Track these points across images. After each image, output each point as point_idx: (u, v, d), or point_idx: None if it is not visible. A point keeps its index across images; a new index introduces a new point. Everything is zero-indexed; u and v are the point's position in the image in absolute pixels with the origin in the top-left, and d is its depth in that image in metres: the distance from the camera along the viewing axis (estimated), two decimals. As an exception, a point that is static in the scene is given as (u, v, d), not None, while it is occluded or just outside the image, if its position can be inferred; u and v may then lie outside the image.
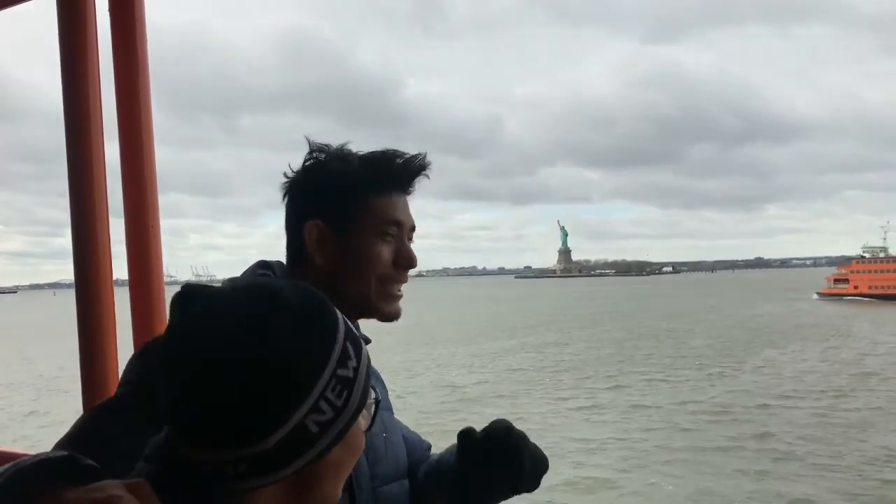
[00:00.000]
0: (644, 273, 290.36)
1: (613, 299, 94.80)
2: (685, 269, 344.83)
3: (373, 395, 0.83)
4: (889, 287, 77.88)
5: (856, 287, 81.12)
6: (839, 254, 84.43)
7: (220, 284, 0.82)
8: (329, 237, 1.22)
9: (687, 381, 29.26)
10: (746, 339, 41.87)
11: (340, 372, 0.76)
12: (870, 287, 79.77)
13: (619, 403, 24.63)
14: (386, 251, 1.25)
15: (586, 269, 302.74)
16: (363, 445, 0.82)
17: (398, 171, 1.26)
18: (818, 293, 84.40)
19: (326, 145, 1.26)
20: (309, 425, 0.73)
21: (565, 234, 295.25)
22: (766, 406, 23.38)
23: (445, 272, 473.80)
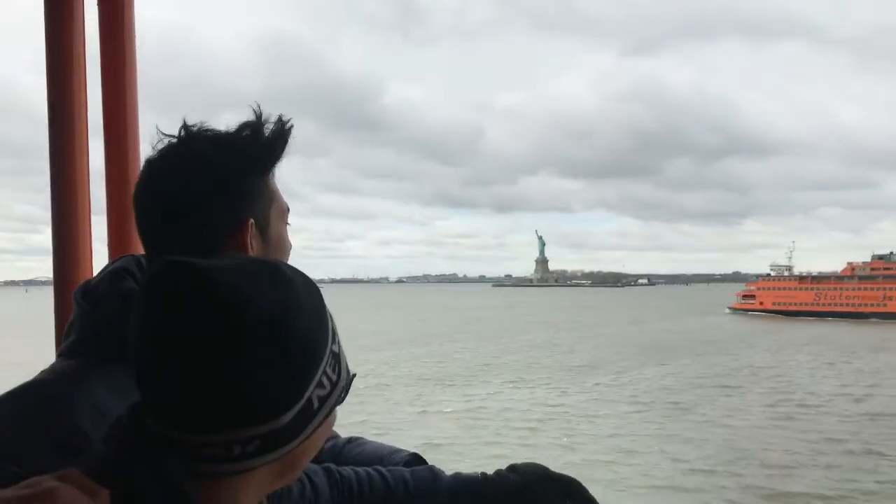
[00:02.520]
0: (619, 284, 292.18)
1: (560, 309, 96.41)
2: (661, 281, 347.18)
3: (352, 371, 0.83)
4: (790, 304, 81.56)
5: (761, 303, 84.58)
6: (815, 270, 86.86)
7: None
8: (255, 235, 1.14)
9: (557, 387, 30.65)
10: (648, 350, 43.43)
11: (333, 348, 0.78)
12: (773, 303, 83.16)
13: (470, 407, 25.96)
14: (288, 238, 1.22)
15: (563, 279, 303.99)
16: (335, 421, 0.82)
17: (282, 134, 1.15)
18: (729, 308, 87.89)
19: (196, 126, 1.12)
20: (314, 400, 0.74)
21: (542, 244, 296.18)
22: (600, 415, 24.74)
23: (426, 278, 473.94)
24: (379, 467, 1.19)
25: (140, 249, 1.73)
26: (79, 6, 1.88)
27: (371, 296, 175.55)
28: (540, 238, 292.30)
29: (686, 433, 21.76)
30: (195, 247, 1.03)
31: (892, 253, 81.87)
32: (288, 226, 1.22)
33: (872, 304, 76.93)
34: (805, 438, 21.10)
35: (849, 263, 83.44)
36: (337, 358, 0.79)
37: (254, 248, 1.14)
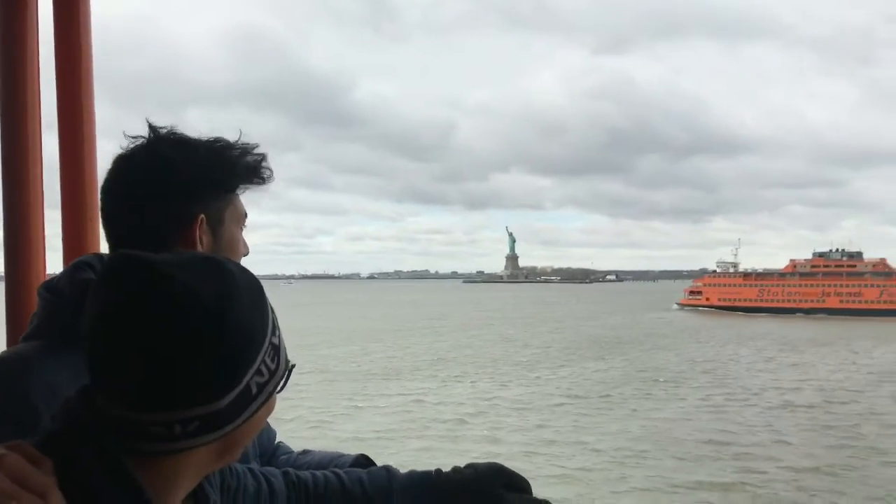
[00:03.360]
0: (587, 280, 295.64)
1: (524, 305, 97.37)
2: (629, 277, 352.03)
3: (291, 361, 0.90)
4: (735, 299, 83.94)
5: (707, 299, 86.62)
6: (777, 267, 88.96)
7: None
8: (206, 231, 1.23)
9: (499, 381, 31.21)
10: (595, 345, 44.30)
11: (273, 340, 0.86)
12: (719, 299, 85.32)
13: (407, 401, 26.36)
14: (243, 243, 1.31)
15: (533, 276, 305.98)
16: (274, 407, 0.90)
17: (255, 165, 1.26)
18: (678, 303, 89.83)
19: (166, 129, 1.23)
20: (252, 386, 0.82)
21: (513, 241, 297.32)
22: (532, 408, 25.30)
23: (398, 275, 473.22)
24: (335, 469, 1.26)
25: (94, 243, 1.78)
26: None
27: (341, 292, 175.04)
28: (510, 235, 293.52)
29: (611, 425, 22.35)
30: (149, 237, 1.15)
31: (831, 251, 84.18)
32: (244, 228, 1.31)
33: (812, 300, 79.48)
34: (724, 429, 21.81)
35: (791, 261, 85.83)
36: (276, 349, 0.86)
37: (204, 243, 1.23)
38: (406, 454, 18.33)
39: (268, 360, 0.84)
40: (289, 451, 1.49)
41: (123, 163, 1.23)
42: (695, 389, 29.17)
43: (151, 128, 1.22)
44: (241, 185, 1.27)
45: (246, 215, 1.31)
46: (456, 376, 32.58)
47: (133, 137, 1.22)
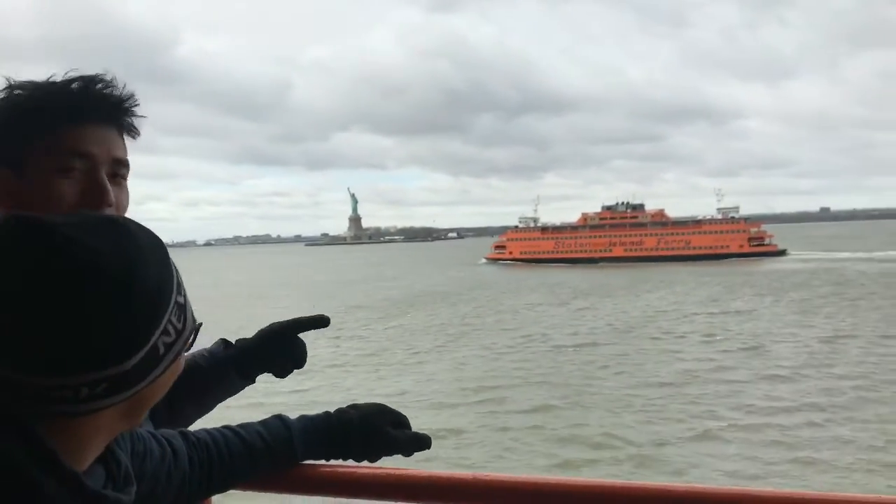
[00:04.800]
0: (430, 239, 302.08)
1: (354, 267, 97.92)
2: (470, 234, 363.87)
3: (198, 320, 0.89)
4: (535, 252, 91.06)
5: (511, 252, 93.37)
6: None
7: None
8: (13, 184, 1.10)
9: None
10: (401, 302, 45.47)
11: (178, 299, 0.82)
12: (521, 252, 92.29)
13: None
14: (69, 190, 1.11)
15: (377, 236, 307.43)
16: (182, 367, 0.87)
17: (80, 97, 1.13)
18: (485, 258, 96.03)
19: None
20: (159, 346, 0.79)
21: (355, 202, 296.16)
22: (316, 369, 25.51)
23: (237, 240, 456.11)
24: (229, 425, 1.24)
25: None
26: None
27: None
28: (352, 195, 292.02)
29: (387, 380, 23.09)
30: None
31: (617, 204, 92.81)
32: (74, 176, 1.11)
33: (601, 250, 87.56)
34: (491, 374, 23.22)
35: (583, 214, 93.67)
36: (182, 308, 0.84)
37: (10, 203, 1.09)
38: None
39: (174, 320, 0.82)
40: None
41: None
42: (480, 338, 30.73)
43: None
44: (64, 117, 1.11)
45: (84, 154, 1.12)
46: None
47: None
